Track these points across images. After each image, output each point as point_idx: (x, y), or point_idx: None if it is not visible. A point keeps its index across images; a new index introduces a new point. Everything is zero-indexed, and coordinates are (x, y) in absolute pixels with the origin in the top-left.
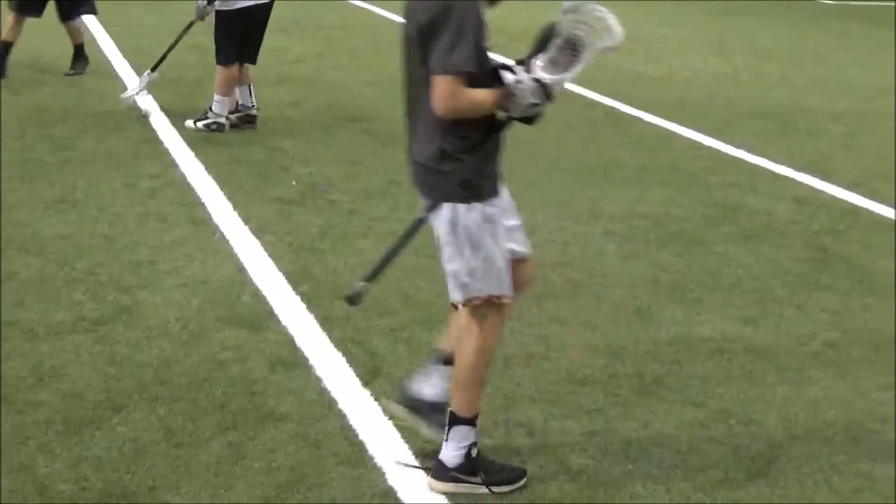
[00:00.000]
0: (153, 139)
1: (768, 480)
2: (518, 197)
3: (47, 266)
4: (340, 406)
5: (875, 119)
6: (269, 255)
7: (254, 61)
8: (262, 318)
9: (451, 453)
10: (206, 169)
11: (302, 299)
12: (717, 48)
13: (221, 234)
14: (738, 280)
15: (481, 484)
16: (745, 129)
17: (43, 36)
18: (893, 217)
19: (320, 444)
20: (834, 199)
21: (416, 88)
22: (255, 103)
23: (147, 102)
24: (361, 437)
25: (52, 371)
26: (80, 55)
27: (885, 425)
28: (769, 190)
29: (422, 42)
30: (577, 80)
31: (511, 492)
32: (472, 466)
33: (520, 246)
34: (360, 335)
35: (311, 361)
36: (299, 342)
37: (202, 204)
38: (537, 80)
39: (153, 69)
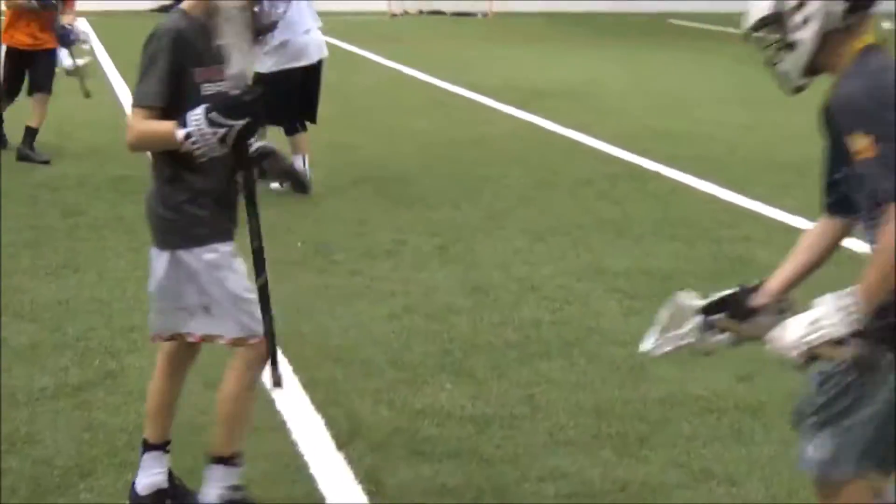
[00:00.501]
0: None
1: None
2: (523, 252)
3: (39, 331)
4: (311, 470)
5: None
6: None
7: (313, 120)
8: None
9: (213, 492)
10: None
11: (289, 362)
12: (741, 99)
13: None
14: None
15: None
16: (762, 181)
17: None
18: None
19: None
20: (854, 253)
21: None
22: (308, 172)
23: None
24: (328, 501)
25: (27, 437)
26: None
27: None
28: (782, 243)
29: None
30: (599, 135)
31: None
32: None
33: None
34: (341, 398)
35: (289, 425)
36: (279, 406)
37: None
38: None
39: None
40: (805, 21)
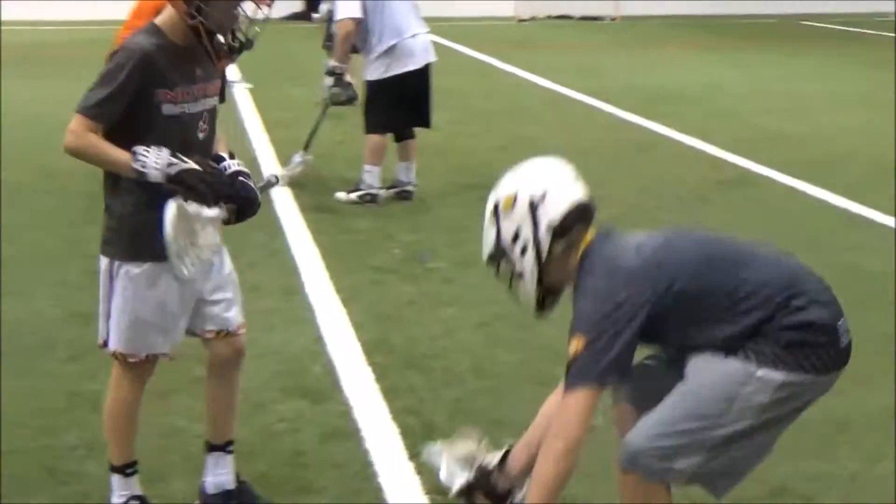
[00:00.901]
0: (268, 207)
1: None
2: None
3: None
4: (380, 479)
5: None
6: (351, 325)
7: (427, 124)
8: (328, 389)
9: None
10: (312, 238)
11: (373, 370)
12: (865, 103)
13: (309, 304)
14: None
15: None
16: (879, 188)
17: None
18: None
19: None
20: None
21: None
22: (412, 180)
23: (273, 170)
24: None
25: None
26: None
27: None
28: (894, 252)
29: None
30: (712, 140)
31: None
32: None
33: (214, 323)
34: (421, 406)
35: (364, 433)
36: (356, 414)
37: (298, 273)
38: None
39: (305, 149)
40: (523, 252)
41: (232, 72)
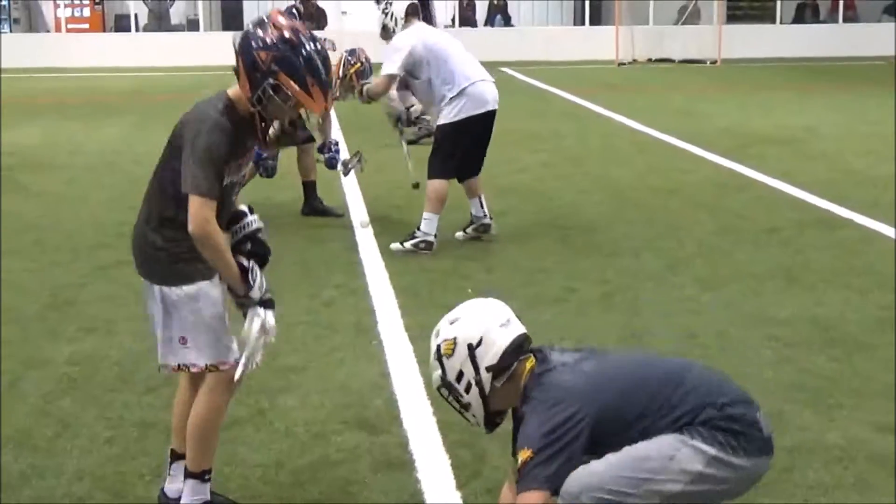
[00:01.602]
0: (352, 249)
1: None
2: (690, 301)
3: None
4: None
5: None
6: (417, 361)
7: (477, 172)
8: (387, 421)
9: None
10: (390, 278)
11: (431, 404)
12: None
13: (380, 340)
14: (888, 387)
15: None
16: None
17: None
18: None
19: None
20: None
21: (154, 172)
22: (487, 213)
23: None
24: None
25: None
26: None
27: None
28: None
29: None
30: (798, 182)
31: None
32: None
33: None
34: (473, 438)
35: (417, 464)
36: (412, 446)
37: (373, 312)
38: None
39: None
40: (467, 389)
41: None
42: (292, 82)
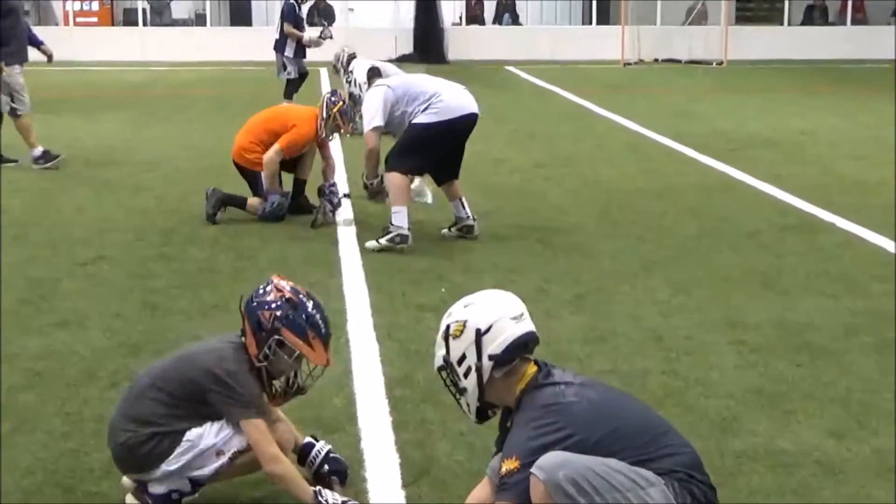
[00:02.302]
0: (333, 246)
1: None
2: (662, 304)
3: None
4: None
5: None
6: (381, 361)
7: (454, 176)
8: (342, 420)
9: None
10: (366, 277)
11: (390, 403)
12: None
13: (347, 339)
14: (849, 392)
15: None
16: None
17: None
18: None
19: None
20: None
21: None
22: (469, 214)
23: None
24: None
25: None
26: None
27: None
28: None
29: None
30: (786, 186)
31: None
32: None
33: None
34: (427, 438)
35: (366, 462)
36: (363, 444)
37: (344, 311)
38: None
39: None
40: (466, 374)
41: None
42: (295, 337)
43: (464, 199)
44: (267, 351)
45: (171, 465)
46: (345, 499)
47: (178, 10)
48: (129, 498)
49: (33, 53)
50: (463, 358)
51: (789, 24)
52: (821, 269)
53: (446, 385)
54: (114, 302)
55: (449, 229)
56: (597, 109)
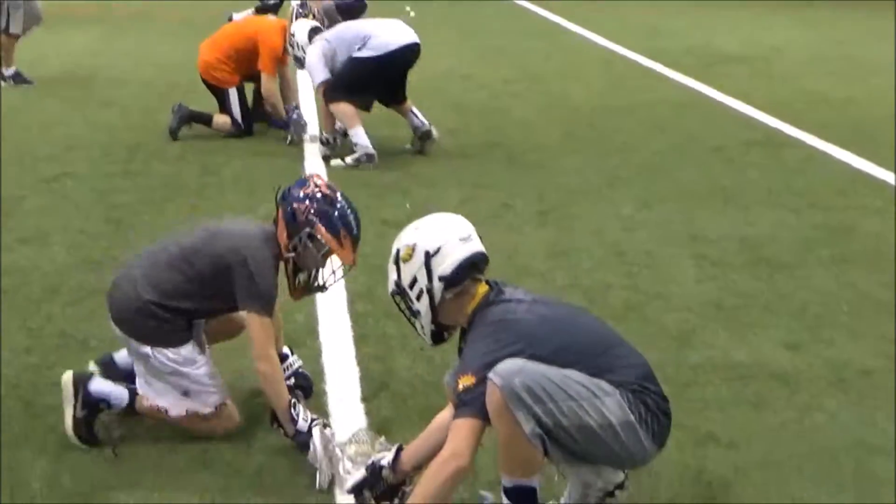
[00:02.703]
0: (298, 164)
1: None
2: (625, 219)
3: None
4: (331, 419)
5: None
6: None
7: (401, 101)
8: (304, 335)
9: None
10: None
11: (351, 318)
12: None
13: None
14: (805, 305)
15: None
16: None
17: None
18: None
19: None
20: None
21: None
22: (424, 121)
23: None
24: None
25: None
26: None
27: (879, 457)
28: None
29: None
30: (754, 102)
31: None
32: None
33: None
34: (387, 352)
35: (326, 375)
36: (324, 358)
37: None
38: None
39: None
40: (419, 297)
41: None
42: (327, 232)
43: (414, 109)
44: (297, 243)
45: (157, 358)
46: (315, 417)
47: None
48: (66, 376)
49: None
50: (414, 281)
51: None
52: (783, 184)
53: (400, 310)
54: (77, 218)
55: (411, 144)
56: (569, 25)
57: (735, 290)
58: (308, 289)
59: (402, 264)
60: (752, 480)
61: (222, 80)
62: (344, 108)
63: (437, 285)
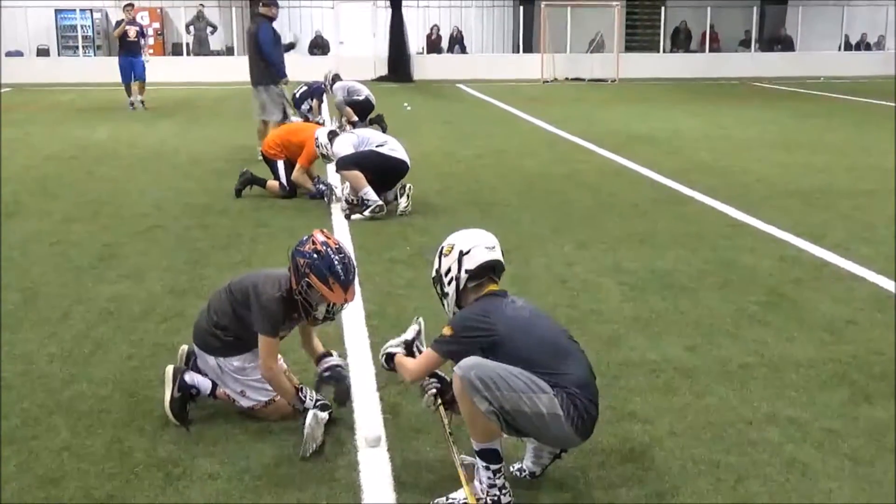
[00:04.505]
0: (327, 218)
1: (638, 465)
2: (568, 256)
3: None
4: (354, 406)
5: (885, 196)
6: (363, 299)
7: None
8: (334, 341)
9: None
10: (352, 238)
11: (368, 329)
12: (788, 144)
13: None
14: (700, 317)
15: None
16: (772, 205)
17: None
18: (856, 270)
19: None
20: (812, 256)
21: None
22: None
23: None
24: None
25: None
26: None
27: (754, 427)
28: (764, 251)
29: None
30: (660, 170)
31: None
32: None
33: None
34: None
35: (353, 374)
36: (350, 359)
37: None
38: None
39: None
40: (450, 283)
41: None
42: (318, 282)
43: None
44: (301, 288)
45: (222, 364)
46: (320, 397)
47: (214, 42)
48: (168, 368)
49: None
50: (448, 270)
51: (663, 52)
52: (682, 230)
53: (436, 291)
54: (165, 259)
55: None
56: (522, 115)
57: (649, 308)
58: (324, 319)
59: (442, 257)
60: (664, 446)
61: (273, 155)
62: (354, 173)
63: (463, 276)
